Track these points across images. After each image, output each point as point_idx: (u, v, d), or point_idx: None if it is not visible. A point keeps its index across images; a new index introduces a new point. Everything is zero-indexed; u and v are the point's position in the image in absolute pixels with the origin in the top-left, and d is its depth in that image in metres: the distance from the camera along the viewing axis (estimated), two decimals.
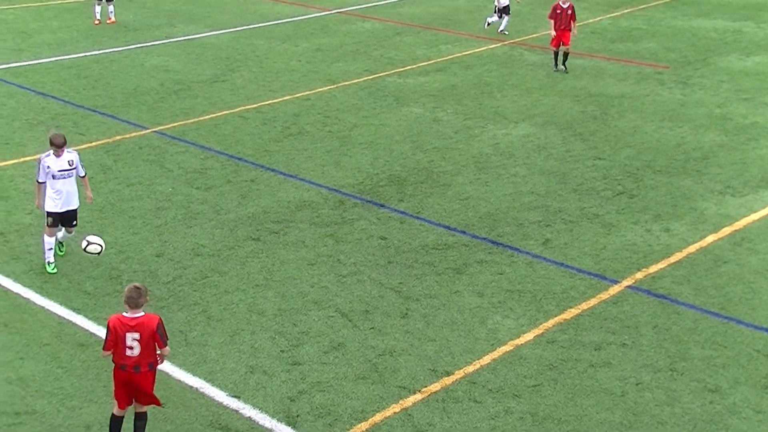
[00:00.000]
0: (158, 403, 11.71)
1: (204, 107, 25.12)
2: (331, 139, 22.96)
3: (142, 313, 11.25)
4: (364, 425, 12.68)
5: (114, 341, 11.17)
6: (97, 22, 33.11)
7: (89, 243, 15.30)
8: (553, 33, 27.98)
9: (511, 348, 14.47)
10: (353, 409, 12.97)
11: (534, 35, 32.90)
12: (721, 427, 12.86)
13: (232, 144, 22.55)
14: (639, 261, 17.23)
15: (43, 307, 15.49)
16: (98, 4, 33.16)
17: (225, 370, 13.84)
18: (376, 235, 18.06)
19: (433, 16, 35.72)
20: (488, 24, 33.57)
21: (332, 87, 27.00)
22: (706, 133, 23.57)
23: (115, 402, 11.62)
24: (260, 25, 33.92)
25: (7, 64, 28.34)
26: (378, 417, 12.85)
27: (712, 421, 12.96)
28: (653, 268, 16.96)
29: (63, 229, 16.52)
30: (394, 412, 12.95)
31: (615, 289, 16.26)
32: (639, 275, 16.72)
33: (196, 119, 24.16)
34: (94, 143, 22.36)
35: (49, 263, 16.38)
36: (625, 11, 36.33)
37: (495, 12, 33.35)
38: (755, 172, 21.30)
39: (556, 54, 28.51)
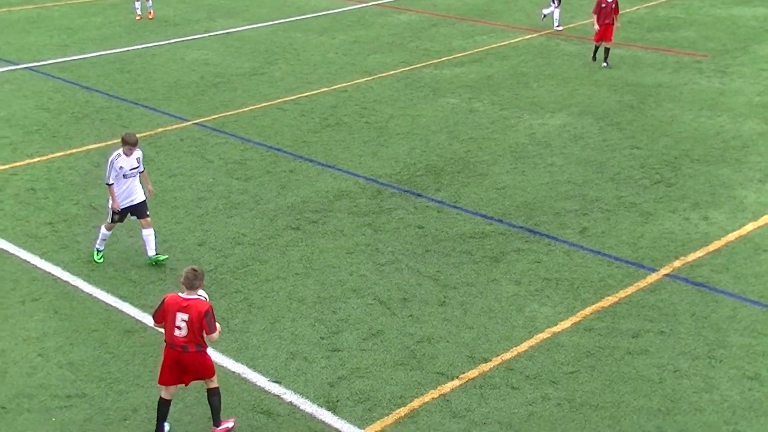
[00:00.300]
0: (212, 374, 11.94)
1: (243, 99, 25.28)
2: (369, 129, 23.07)
3: (196, 297, 11.51)
4: (403, 410, 12.79)
5: (163, 316, 11.51)
6: (138, 17, 33.35)
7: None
8: (597, 27, 27.74)
9: (549, 335, 14.54)
10: (392, 394, 13.09)
11: (570, 25, 32.81)
12: (761, 413, 12.88)
13: (271, 135, 22.70)
14: (677, 249, 17.22)
15: (90, 295, 15.73)
16: (138, 0, 33.43)
17: (266, 356, 14.00)
18: (414, 224, 18.15)
19: (469, 6, 35.72)
20: (544, 16, 33.25)
21: (369, 79, 27.09)
22: (746, 122, 23.47)
23: (163, 387, 11.82)
24: (298, 18, 34.03)
25: (54, 59, 28.61)
26: (416, 402, 12.96)
27: (752, 408, 12.98)
28: (691, 257, 16.95)
29: (145, 236, 16.49)
30: (432, 398, 13.06)
31: (653, 278, 16.26)
32: (677, 263, 16.72)
33: (236, 111, 24.33)
34: (138, 135, 22.47)
35: (98, 251, 16.68)
36: (663, 0, 36.14)
37: (552, 2, 32.64)
38: None
39: (597, 48, 28.32)
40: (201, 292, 11.70)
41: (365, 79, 27.04)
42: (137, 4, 33.50)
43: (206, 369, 11.85)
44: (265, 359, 13.92)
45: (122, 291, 15.82)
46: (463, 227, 18.01)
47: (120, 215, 16.24)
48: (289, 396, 13.06)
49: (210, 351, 13.38)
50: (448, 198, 19.30)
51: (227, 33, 31.99)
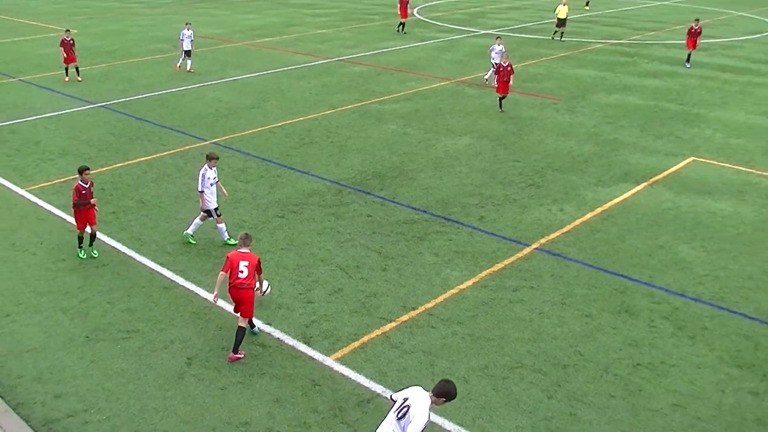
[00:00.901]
0: (249, 314, 12.29)
1: (245, 125, 25.03)
2: (333, 147, 22.94)
3: (249, 251, 12.28)
4: (357, 343, 12.84)
5: (230, 266, 11.98)
6: (177, 68, 32.82)
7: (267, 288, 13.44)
8: (496, 84, 27.04)
9: (457, 291, 14.63)
10: (349, 333, 13.12)
11: (471, 76, 32.83)
12: (592, 339, 13.17)
13: (264, 150, 22.50)
14: (543, 231, 17.35)
15: (140, 262, 15.60)
16: (180, 58, 32.97)
17: (261, 306, 13.93)
18: (364, 214, 18.11)
19: (403, 62, 35.63)
20: (486, 80, 31.45)
21: (333, 111, 26.94)
22: (586, 145, 23.63)
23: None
24: (283, 69, 33.75)
25: (118, 99, 28.18)
26: (366, 338, 13.02)
27: (586, 336, 13.22)
28: (552, 236, 17.09)
29: (196, 220, 16.42)
30: (377, 335, 13.12)
31: (527, 250, 16.38)
32: (543, 240, 16.85)
33: (240, 134, 24.08)
34: (172, 150, 22.30)
35: (230, 239, 16.35)
36: (532, 62, 36.29)
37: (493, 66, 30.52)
38: (616, 171, 21.36)
39: (501, 98, 27.20)
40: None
41: (331, 111, 26.89)
42: (180, 61, 33.03)
43: (249, 305, 12.21)
44: (260, 308, 13.85)
45: (161, 259, 15.72)
46: (399, 216, 18.01)
47: (216, 211, 16.05)
48: (277, 333, 13.07)
49: (220, 301, 13.41)
50: (388, 195, 19.29)
51: (234, 80, 31.65)
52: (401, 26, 43.66)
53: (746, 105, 29.01)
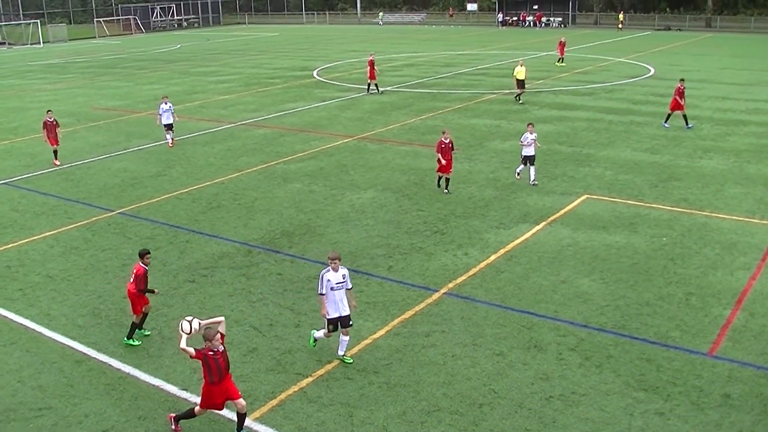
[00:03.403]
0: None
1: (151, 193, 24.58)
2: (240, 209, 22.73)
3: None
4: (274, 402, 12.59)
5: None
6: (171, 145, 31.84)
7: (187, 321, 12.05)
8: (443, 162, 23.36)
9: (371, 341, 14.55)
10: (266, 391, 12.85)
11: (372, 132, 33.21)
12: (504, 375, 13.24)
13: (172, 217, 22.11)
14: (449, 275, 17.50)
15: (50, 337, 15.00)
16: (166, 135, 31.33)
17: (176, 372, 13.59)
18: (275, 272, 17.93)
19: (305, 122, 35.82)
20: (518, 174, 25.31)
21: (239, 173, 26.76)
22: (486, 190, 24.10)
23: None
24: (188, 136, 33.43)
25: (21, 175, 27.33)
26: (283, 395, 12.78)
27: (499, 374, 13.30)
28: (459, 280, 17.24)
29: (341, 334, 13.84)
30: (294, 391, 12.89)
31: (436, 296, 16.47)
32: (450, 285, 16.98)
33: (147, 202, 23.61)
34: (78, 223, 21.67)
35: (345, 356, 13.93)
36: (430, 115, 37.02)
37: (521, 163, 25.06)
38: (516, 213, 21.84)
39: (440, 178, 24.12)
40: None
41: (237, 174, 26.71)
42: (168, 138, 31.38)
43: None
44: (176, 374, 13.51)
45: (72, 333, 15.12)
46: (309, 271, 17.88)
47: (333, 325, 13.54)
48: (194, 398, 12.65)
49: (135, 371, 12.97)
50: (297, 252, 19.17)
51: (140, 149, 31.16)
52: (370, 87, 43.99)
53: (631, 143, 30.24)
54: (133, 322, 14.59)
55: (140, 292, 14.34)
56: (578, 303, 15.96)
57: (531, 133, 24.12)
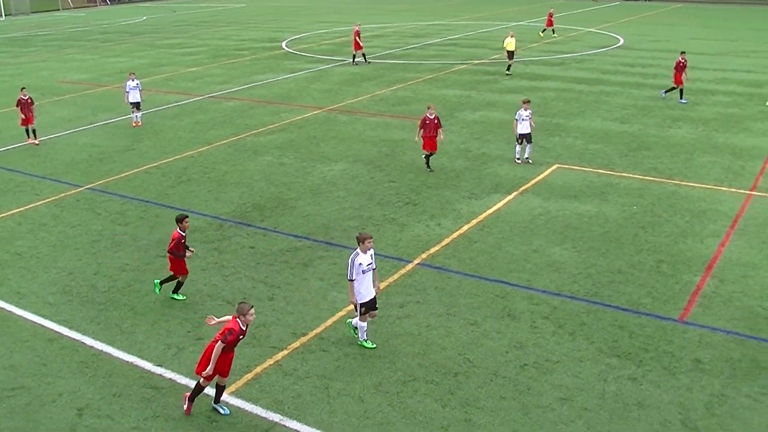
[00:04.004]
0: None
1: (120, 168, 24.24)
2: (211, 182, 22.52)
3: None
4: (250, 375, 12.56)
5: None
6: (136, 125, 31.20)
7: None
8: (417, 139, 22.69)
9: (345, 312, 14.52)
10: (241, 365, 12.78)
11: (342, 103, 33.02)
12: (479, 345, 13.32)
13: (142, 192, 21.84)
14: (423, 246, 17.52)
15: (21, 316, 14.81)
16: (133, 114, 30.41)
17: (150, 347, 13.49)
18: (247, 246, 17.82)
19: (275, 94, 35.49)
20: (518, 158, 23.92)
21: (209, 147, 26.48)
22: (457, 161, 24.12)
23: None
24: (156, 109, 32.97)
25: None
26: (259, 369, 12.75)
27: (474, 343, 13.38)
28: (432, 250, 17.27)
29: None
30: (270, 364, 12.87)
31: (409, 267, 16.49)
32: (424, 255, 17.01)
33: (116, 177, 23.29)
34: (46, 200, 21.33)
35: (366, 341, 13.42)
36: (400, 86, 36.83)
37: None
38: (487, 183, 21.89)
39: (427, 157, 23.01)
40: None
41: (206, 147, 26.43)
42: (135, 117, 30.38)
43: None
44: (149, 350, 13.42)
45: (44, 311, 14.92)
46: (282, 244, 17.81)
47: (366, 307, 13.06)
48: (169, 374, 12.61)
49: (109, 348, 12.87)
50: (270, 225, 19.06)
51: (106, 123, 30.68)
52: (355, 58, 43.74)
53: (601, 113, 30.37)
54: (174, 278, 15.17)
55: (174, 255, 14.69)
56: (551, 272, 16.07)
57: (526, 110, 22.96)
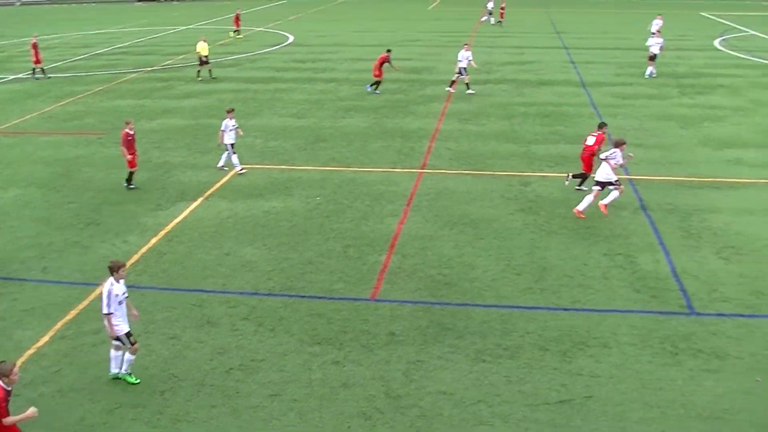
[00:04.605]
0: None
1: None
2: None
3: None
4: None
5: None
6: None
7: None
8: (128, 157, 21.37)
9: (34, 350, 13.61)
10: None
11: (7, 125, 30.36)
12: (182, 358, 13.14)
13: None
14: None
15: None
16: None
17: None
18: None
19: None
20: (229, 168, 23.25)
21: None
22: (138, 172, 22.74)
23: None
24: None
25: None
26: None
27: (176, 357, 13.21)
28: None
29: None
30: None
31: (98, 290, 15.61)
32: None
33: None
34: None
35: (130, 375, 12.61)
36: (69, 100, 34.66)
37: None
38: (172, 192, 21.56)
39: (130, 174, 21.76)
40: None
41: None
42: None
43: None
44: None
45: None
46: None
47: (130, 335, 12.38)
48: None
49: None
50: None
51: None
52: (35, 71, 40.00)
53: (278, 110, 31.20)
54: None
55: None
56: (245, 272, 16.27)
57: (231, 120, 22.59)
